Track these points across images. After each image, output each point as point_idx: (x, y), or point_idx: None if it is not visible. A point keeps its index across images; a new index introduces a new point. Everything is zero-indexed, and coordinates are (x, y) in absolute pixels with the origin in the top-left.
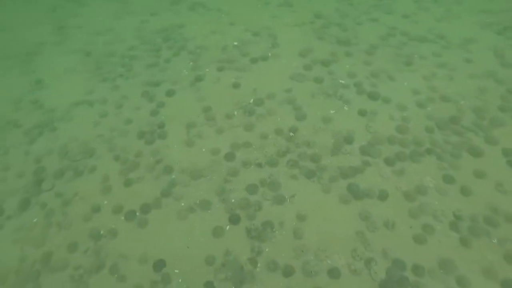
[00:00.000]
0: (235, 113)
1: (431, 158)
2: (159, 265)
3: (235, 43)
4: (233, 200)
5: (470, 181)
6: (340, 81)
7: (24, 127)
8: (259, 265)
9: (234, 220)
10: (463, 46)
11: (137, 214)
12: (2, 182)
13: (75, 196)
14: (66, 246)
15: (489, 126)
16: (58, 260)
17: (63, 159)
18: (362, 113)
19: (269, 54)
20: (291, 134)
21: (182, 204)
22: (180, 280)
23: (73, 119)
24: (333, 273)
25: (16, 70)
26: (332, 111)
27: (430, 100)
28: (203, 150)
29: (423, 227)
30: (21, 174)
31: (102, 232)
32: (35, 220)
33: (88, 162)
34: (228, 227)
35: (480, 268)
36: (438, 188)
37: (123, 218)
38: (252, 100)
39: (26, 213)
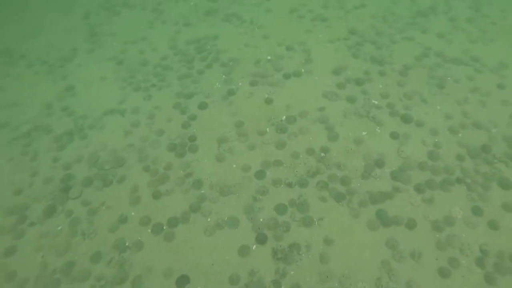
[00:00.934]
0: (267, 130)
1: (461, 187)
2: (183, 280)
3: (269, 57)
4: (261, 219)
5: (499, 214)
6: (373, 101)
7: (54, 133)
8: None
9: (261, 239)
10: (497, 71)
11: (164, 227)
12: (28, 187)
13: (102, 205)
14: (89, 256)
15: None
16: (80, 270)
17: (92, 167)
18: (394, 136)
19: (302, 70)
20: (322, 154)
21: (210, 220)
22: None
23: (104, 127)
24: None
25: (48, 76)
26: (364, 133)
27: (462, 126)
28: (234, 166)
29: (449, 260)
30: (48, 180)
31: (127, 243)
32: (59, 228)
33: (118, 171)
34: (254, 246)
35: None
36: (466, 220)
37: (149, 230)
38: (284, 117)
39: (51, 220)
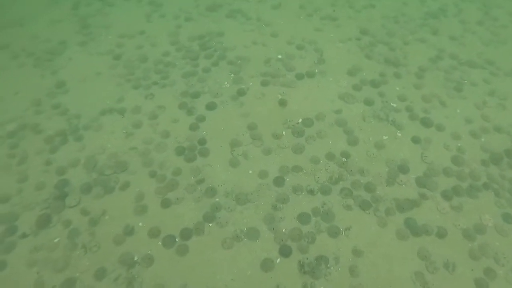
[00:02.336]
0: (283, 133)
1: (488, 193)
2: None
3: (279, 56)
4: (283, 230)
5: None
6: (392, 104)
7: (44, 133)
8: None
9: (285, 252)
10: None
11: (177, 239)
12: (17, 194)
13: (104, 214)
14: (93, 272)
15: None
16: (84, 287)
17: (91, 172)
18: (415, 140)
19: (316, 71)
20: (344, 159)
21: (227, 231)
22: None
23: (102, 128)
24: None
25: (36, 69)
26: (385, 137)
27: (483, 130)
28: (250, 172)
29: (484, 271)
30: (41, 187)
31: (136, 258)
32: (56, 240)
33: (120, 177)
34: (278, 260)
35: None
36: (498, 228)
37: (160, 243)
38: (300, 120)
39: (45, 232)
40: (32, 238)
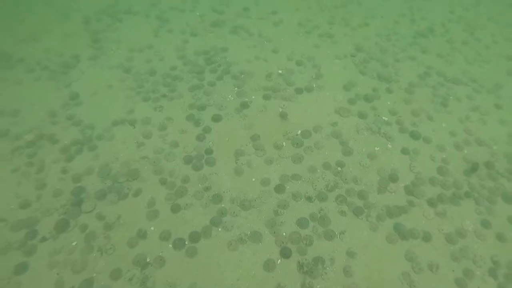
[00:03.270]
0: (284, 144)
1: (469, 201)
2: None
3: (280, 71)
4: (284, 233)
5: (506, 227)
6: (383, 118)
7: (61, 143)
8: None
9: (285, 253)
10: (494, 91)
11: (186, 242)
12: (36, 200)
13: (118, 219)
14: (108, 273)
15: None
16: (100, 287)
17: (105, 180)
18: (405, 151)
19: (314, 85)
20: (339, 169)
21: (233, 234)
22: None
23: (114, 138)
24: None
25: (51, 82)
26: (376, 148)
27: (466, 142)
28: (253, 180)
29: (464, 271)
30: (58, 193)
31: (148, 259)
32: (74, 244)
33: (133, 184)
34: (279, 260)
35: None
36: (477, 233)
37: (171, 245)
38: (299, 131)
39: (64, 236)
40: (51, 242)
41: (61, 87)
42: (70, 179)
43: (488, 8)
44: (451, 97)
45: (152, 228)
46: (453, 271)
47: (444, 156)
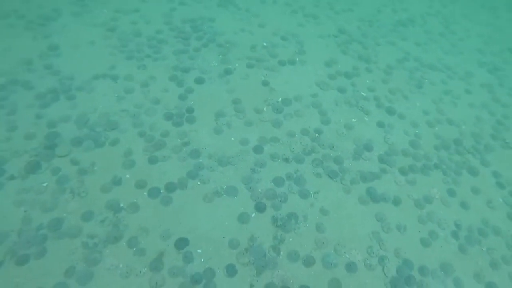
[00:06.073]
0: (264, 108)
1: (438, 172)
2: (181, 243)
3: (264, 44)
4: (259, 190)
5: (468, 196)
6: (362, 93)
7: (36, 90)
8: (281, 253)
9: (260, 208)
10: (465, 79)
11: (162, 191)
12: (5, 141)
13: (93, 165)
14: (80, 214)
15: (483, 150)
16: (70, 226)
17: (82, 128)
18: (380, 125)
19: (297, 59)
20: (317, 135)
21: (208, 187)
22: (202, 260)
23: (94, 91)
24: (350, 267)
25: (27, 31)
26: (354, 120)
27: (438, 121)
28: (232, 139)
29: (429, 233)
30: (31, 137)
31: (122, 204)
32: (45, 184)
33: (110, 134)
34: (254, 214)
35: (472, 272)
36: (443, 200)
37: (146, 193)
38: (280, 99)
39: (34, 176)
40: (20, 181)
41: (39, 37)
42: (44, 124)
43: (463, 6)
44: (426, 80)
45: (128, 176)
46: (419, 232)
47: (417, 131)
